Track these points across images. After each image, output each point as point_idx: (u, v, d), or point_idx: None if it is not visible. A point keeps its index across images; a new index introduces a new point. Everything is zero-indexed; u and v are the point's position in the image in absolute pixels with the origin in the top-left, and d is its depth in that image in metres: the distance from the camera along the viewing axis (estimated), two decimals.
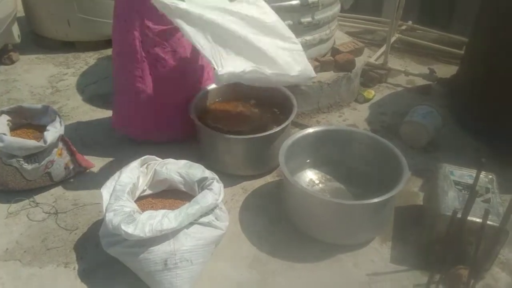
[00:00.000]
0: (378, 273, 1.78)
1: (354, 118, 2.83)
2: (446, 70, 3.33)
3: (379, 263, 1.83)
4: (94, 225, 1.98)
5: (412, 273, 1.79)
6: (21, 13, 3.59)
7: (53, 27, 3.53)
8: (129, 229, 1.56)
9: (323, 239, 1.89)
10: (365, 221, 1.84)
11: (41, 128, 2.11)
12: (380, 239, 1.94)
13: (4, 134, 2.00)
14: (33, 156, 2.02)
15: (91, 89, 3.08)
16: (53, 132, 2.04)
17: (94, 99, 2.96)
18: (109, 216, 1.62)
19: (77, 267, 1.79)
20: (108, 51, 3.62)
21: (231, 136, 2.21)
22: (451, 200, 1.77)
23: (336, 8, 2.88)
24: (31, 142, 2.00)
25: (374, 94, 3.04)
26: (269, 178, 2.29)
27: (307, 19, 2.64)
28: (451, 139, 2.60)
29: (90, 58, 3.52)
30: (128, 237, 1.57)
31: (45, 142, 2.00)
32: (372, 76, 3.16)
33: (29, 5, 3.53)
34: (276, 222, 2.01)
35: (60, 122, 2.12)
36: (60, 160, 2.12)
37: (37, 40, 3.67)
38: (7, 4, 3.15)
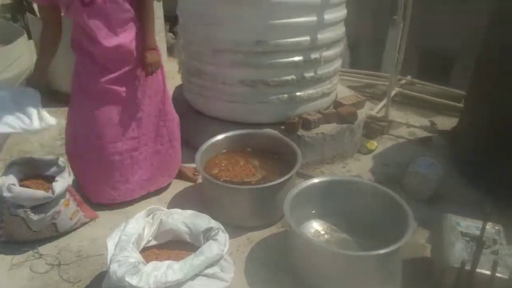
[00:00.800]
0: None
1: (358, 169, 2.86)
2: (447, 122, 3.41)
3: None
4: (97, 277, 1.95)
5: None
6: None
7: (65, 82, 3.65)
8: (133, 280, 1.54)
9: None
10: (372, 273, 1.80)
11: (50, 179, 2.14)
12: None
13: (13, 184, 2.03)
14: (40, 206, 2.04)
15: None
16: (61, 182, 2.08)
17: None
18: (113, 267, 1.61)
19: None
20: None
21: (236, 186, 2.23)
22: (458, 251, 1.75)
23: (338, 63, 3.01)
24: (40, 193, 2.03)
25: (377, 145, 3.09)
26: (274, 229, 2.28)
27: (310, 74, 2.76)
28: (454, 190, 2.61)
29: None
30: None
31: (53, 192, 2.03)
32: (374, 128, 3.23)
33: None
34: (282, 274, 1.97)
35: (69, 173, 2.16)
36: (66, 211, 2.13)
37: (51, 94, 3.80)
38: (23, 61, 3.31)
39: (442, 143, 3.13)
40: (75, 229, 2.23)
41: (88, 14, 2.00)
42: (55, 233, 2.15)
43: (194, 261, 1.63)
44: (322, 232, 2.17)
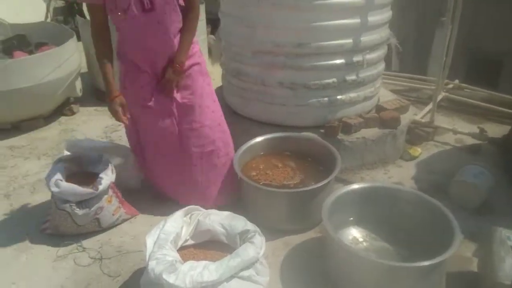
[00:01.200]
0: None
1: (399, 175, 2.76)
2: (497, 129, 3.22)
3: None
4: (136, 273, 2.00)
5: None
6: (84, 69, 3.93)
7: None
8: (170, 278, 1.56)
9: None
10: (413, 286, 1.73)
11: (94, 176, 2.22)
12: None
13: (61, 180, 2.12)
14: (84, 202, 2.12)
15: None
16: (105, 179, 2.15)
17: None
18: (151, 264, 1.64)
19: None
20: None
21: (274, 189, 2.22)
22: (509, 267, 1.65)
23: (381, 66, 2.93)
24: (84, 189, 2.11)
25: (421, 152, 2.98)
26: (311, 234, 2.25)
27: (351, 77, 2.70)
28: (505, 201, 2.46)
29: None
30: (169, 287, 1.56)
31: (96, 189, 2.10)
32: (418, 133, 3.11)
33: (91, 62, 3.86)
34: (318, 281, 1.93)
35: (112, 170, 2.23)
36: (109, 207, 2.20)
37: (97, 93, 3.96)
38: (72, 62, 3.47)
39: (492, 151, 2.96)
40: (116, 225, 2.30)
41: (146, 20, 1.96)
42: (98, 228, 2.22)
43: (230, 262, 1.63)
44: (361, 240, 2.11)
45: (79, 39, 3.80)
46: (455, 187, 2.43)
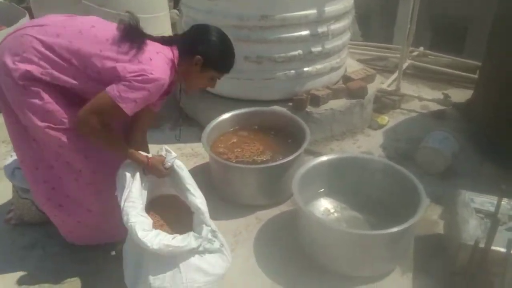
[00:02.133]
0: None
1: (368, 145, 2.80)
2: (461, 95, 3.30)
3: None
4: (107, 258, 1.96)
5: None
6: None
7: None
8: (141, 233, 1.52)
9: (340, 270, 1.83)
10: (383, 252, 1.78)
11: None
12: (401, 270, 1.87)
13: (18, 168, 2.02)
14: None
15: None
16: None
17: None
18: (126, 209, 1.58)
19: None
20: None
21: (244, 166, 2.20)
22: (472, 228, 1.71)
23: (346, 36, 2.91)
24: None
25: (388, 120, 3.02)
26: (283, 207, 2.26)
27: (317, 49, 2.67)
28: (469, 165, 2.54)
29: None
30: (138, 241, 1.51)
31: None
32: (385, 102, 3.14)
33: None
34: (292, 254, 1.96)
35: None
36: None
37: None
38: None
39: (457, 117, 3.04)
40: None
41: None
42: None
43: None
44: (332, 211, 2.14)
45: (32, 18, 3.59)
46: (421, 154, 2.48)
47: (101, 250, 2.01)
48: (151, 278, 1.53)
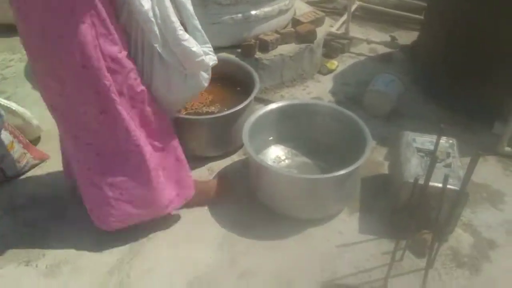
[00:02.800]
0: (347, 244, 1.80)
1: (318, 90, 2.81)
2: (408, 37, 3.34)
3: (347, 235, 1.85)
4: (54, 219, 1.90)
5: (379, 242, 1.82)
6: None
7: None
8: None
9: (292, 215, 1.89)
10: (331, 194, 1.84)
11: None
12: (348, 211, 1.95)
13: None
14: None
15: None
16: None
17: None
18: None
19: (39, 264, 1.72)
20: None
21: (192, 117, 2.14)
22: (413, 167, 1.79)
23: None
24: None
25: (337, 64, 3.02)
26: (235, 157, 2.26)
27: None
28: (414, 106, 2.63)
29: None
30: None
31: None
32: (335, 46, 3.12)
33: None
34: (245, 202, 1.99)
35: (0, 113, 1.98)
36: (11, 154, 2.00)
37: None
38: None
39: (403, 59, 3.09)
40: (24, 172, 2.12)
41: None
42: (3, 179, 2.04)
43: None
44: (283, 158, 2.16)
45: None
46: (368, 97, 2.53)
47: (48, 213, 1.94)
48: None
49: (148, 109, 1.65)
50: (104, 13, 1.43)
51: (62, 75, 1.47)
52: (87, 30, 1.39)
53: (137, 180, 1.66)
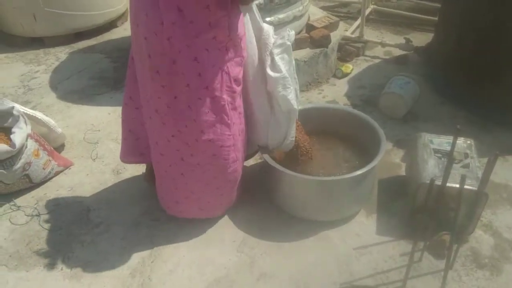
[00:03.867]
0: (364, 246, 1.80)
1: (333, 94, 2.82)
2: (422, 39, 3.33)
3: (365, 236, 1.85)
4: (78, 224, 1.96)
5: (397, 243, 1.81)
6: None
7: (18, 23, 3.41)
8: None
9: (308, 217, 1.90)
10: (347, 196, 1.85)
11: (8, 131, 2.04)
12: (366, 212, 1.96)
13: None
14: (7, 160, 1.97)
15: (65, 85, 3.01)
16: (19, 133, 1.98)
17: (69, 95, 2.89)
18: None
19: (64, 267, 1.77)
20: (79, 45, 3.53)
21: None
22: (431, 168, 1.79)
23: None
24: (1, 147, 1.94)
25: (352, 68, 3.03)
26: (251, 161, 2.28)
27: None
28: (429, 108, 2.62)
29: (61, 53, 3.43)
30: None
31: (13, 145, 1.95)
32: (349, 50, 3.14)
33: None
34: (262, 205, 2.01)
35: (25, 121, 2.05)
36: (37, 161, 2.08)
37: (4, 38, 3.55)
38: None
39: (418, 61, 3.08)
40: (50, 179, 2.19)
41: None
42: (30, 184, 2.11)
43: None
44: None
45: None
46: (383, 99, 2.53)
47: (71, 217, 2.00)
48: None
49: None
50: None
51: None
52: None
53: (210, 188, 1.77)
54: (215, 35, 1.46)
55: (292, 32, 1.75)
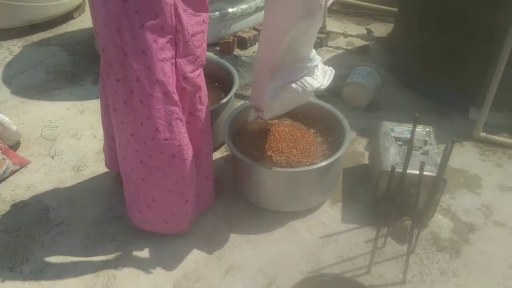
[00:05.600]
0: (330, 235, 1.83)
1: None
2: (384, 29, 3.39)
3: (330, 225, 1.88)
4: (37, 224, 1.88)
5: (362, 230, 1.85)
6: None
7: None
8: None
9: (275, 208, 1.91)
10: (313, 186, 1.86)
11: None
12: (331, 202, 1.99)
13: None
14: None
15: (19, 79, 2.87)
16: None
17: (24, 90, 2.76)
18: None
19: (23, 269, 1.70)
20: (34, 37, 3.37)
21: None
22: (392, 156, 1.83)
23: None
24: None
25: None
26: (217, 154, 2.27)
27: None
28: (391, 97, 2.68)
29: (14, 46, 3.26)
30: None
31: None
32: None
33: None
34: (230, 198, 2.00)
35: None
36: None
37: None
38: None
39: (380, 51, 3.14)
40: (5, 178, 2.09)
41: None
42: None
43: None
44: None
45: None
46: (346, 89, 2.57)
47: (30, 218, 1.92)
48: None
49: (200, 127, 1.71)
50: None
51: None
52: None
53: (172, 195, 1.68)
54: (162, 26, 1.42)
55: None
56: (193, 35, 1.54)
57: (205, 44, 1.65)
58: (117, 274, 1.68)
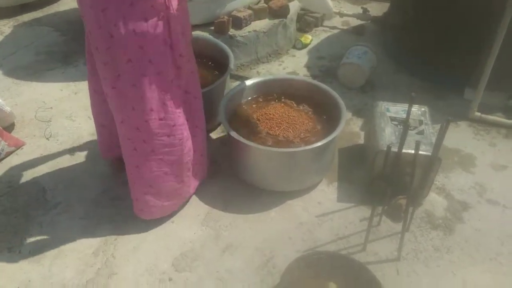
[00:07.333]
0: (326, 214, 1.86)
1: (293, 65, 2.82)
2: (379, 8, 3.36)
3: (326, 204, 1.90)
4: (34, 205, 1.88)
5: (358, 209, 1.88)
6: None
7: None
8: None
9: (272, 188, 1.92)
10: (309, 166, 1.88)
11: None
12: (327, 181, 2.00)
13: None
14: None
15: (11, 60, 2.83)
16: None
17: (16, 71, 2.72)
18: None
19: (22, 250, 1.71)
20: (24, 17, 3.30)
21: None
22: (388, 136, 1.84)
23: None
24: None
25: (312, 38, 3.03)
26: (213, 135, 2.27)
27: None
28: (387, 77, 2.67)
29: (4, 27, 3.20)
30: None
31: None
32: (308, 20, 3.12)
33: None
34: (226, 178, 2.01)
35: None
36: None
37: None
38: None
39: (375, 30, 3.12)
40: (0, 160, 2.08)
41: None
42: None
43: None
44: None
45: None
46: (342, 70, 2.56)
47: (26, 199, 1.92)
48: None
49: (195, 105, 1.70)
50: None
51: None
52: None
53: (170, 175, 1.68)
54: (152, 4, 1.38)
55: None
56: (184, 11, 1.51)
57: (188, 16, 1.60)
58: (116, 254, 1.69)
